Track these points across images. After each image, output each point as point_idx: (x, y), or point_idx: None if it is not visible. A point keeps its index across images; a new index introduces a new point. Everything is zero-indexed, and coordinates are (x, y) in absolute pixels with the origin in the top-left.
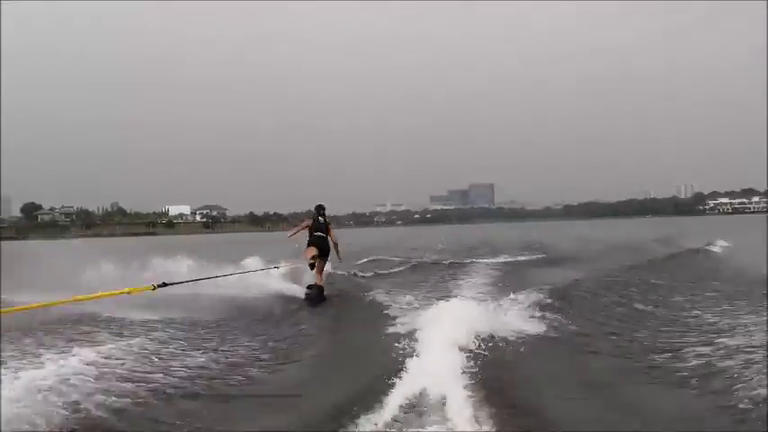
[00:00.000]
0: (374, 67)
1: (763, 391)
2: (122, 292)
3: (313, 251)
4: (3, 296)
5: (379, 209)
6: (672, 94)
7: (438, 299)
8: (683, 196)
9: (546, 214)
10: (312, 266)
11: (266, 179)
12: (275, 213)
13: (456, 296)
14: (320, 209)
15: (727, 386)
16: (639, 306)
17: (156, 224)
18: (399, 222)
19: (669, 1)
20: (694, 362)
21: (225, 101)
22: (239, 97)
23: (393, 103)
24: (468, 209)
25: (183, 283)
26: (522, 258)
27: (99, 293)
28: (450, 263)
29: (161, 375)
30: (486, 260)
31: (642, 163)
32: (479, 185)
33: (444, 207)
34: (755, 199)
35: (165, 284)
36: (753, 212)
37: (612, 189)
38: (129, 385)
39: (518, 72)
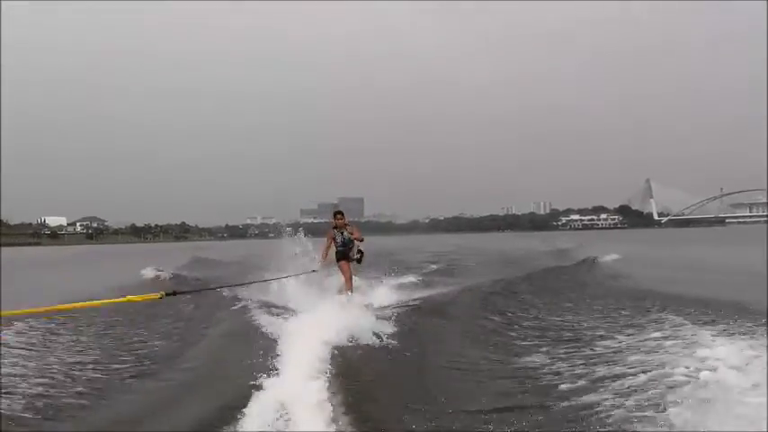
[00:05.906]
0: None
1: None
2: (123, 300)
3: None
4: None
5: (249, 221)
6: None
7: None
8: (540, 212)
9: (413, 227)
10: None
11: (140, 190)
12: (156, 225)
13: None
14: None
15: None
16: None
17: (40, 235)
18: (272, 235)
19: None
20: None
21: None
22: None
23: (269, 116)
24: None
25: (194, 292)
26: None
27: (101, 300)
28: None
29: None
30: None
31: (504, 179)
32: (349, 199)
33: (314, 221)
34: (603, 216)
35: (174, 293)
36: (601, 228)
37: (477, 204)
38: None
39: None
